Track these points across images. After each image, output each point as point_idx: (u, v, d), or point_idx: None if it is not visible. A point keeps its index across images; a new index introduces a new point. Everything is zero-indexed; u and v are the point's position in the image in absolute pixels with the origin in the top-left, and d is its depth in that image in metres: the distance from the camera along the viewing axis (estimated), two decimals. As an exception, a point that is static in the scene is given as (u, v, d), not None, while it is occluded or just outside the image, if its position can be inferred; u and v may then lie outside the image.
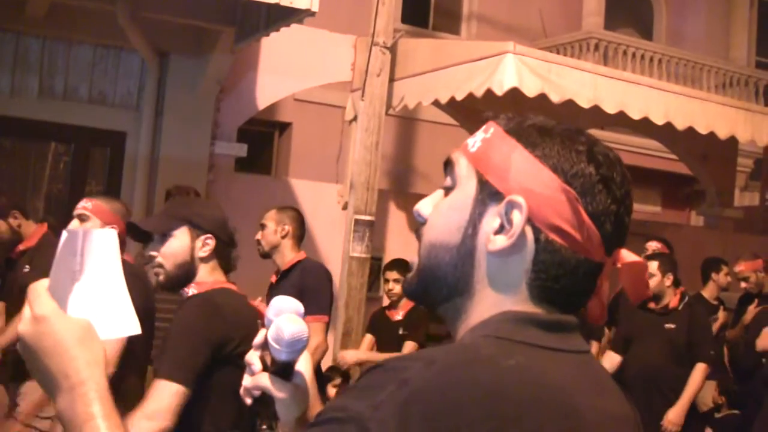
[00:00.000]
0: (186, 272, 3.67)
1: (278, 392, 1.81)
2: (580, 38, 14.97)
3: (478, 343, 1.32)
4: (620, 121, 10.26)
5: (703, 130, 9.57)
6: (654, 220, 15.14)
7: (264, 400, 1.86)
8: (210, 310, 3.53)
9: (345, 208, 10.15)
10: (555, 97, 8.50)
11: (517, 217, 1.36)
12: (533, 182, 1.38)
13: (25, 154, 10.48)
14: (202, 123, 10.54)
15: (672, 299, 7.38)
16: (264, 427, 2.94)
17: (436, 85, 9.32)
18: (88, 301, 1.53)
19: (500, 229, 1.38)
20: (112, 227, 4.98)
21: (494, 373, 1.24)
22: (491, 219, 1.39)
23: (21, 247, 6.80)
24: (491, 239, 1.38)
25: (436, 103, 9.67)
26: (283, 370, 1.82)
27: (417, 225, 1.53)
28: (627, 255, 1.46)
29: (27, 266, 6.49)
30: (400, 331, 7.89)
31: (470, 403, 1.19)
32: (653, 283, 7.17)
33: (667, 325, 7.33)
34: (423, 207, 1.52)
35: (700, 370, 7.25)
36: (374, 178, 9.51)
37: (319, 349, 6.44)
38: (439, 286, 1.45)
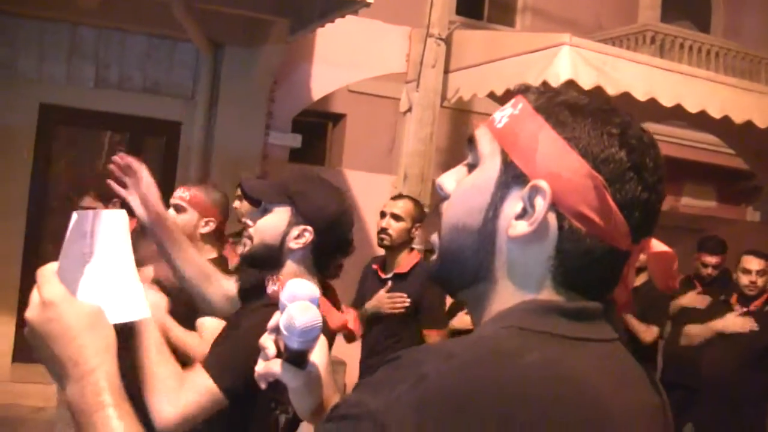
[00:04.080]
0: (270, 255, 3.16)
1: (290, 381, 1.78)
2: (636, 31, 14.84)
3: (499, 336, 1.28)
4: (676, 115, 10.14)
5: (761, 124, 9.43)
6: (709, 215, 15.01)
7: (278, 385, 1.83)
8: None
9: (399, 199, 10.13)
10: (611, 90, 8.42)
11: (540, 203, 1.30)
12: (560, 166, 1.32)
13: (81, 143, 10.58)
14: (257, 113, 10.57)
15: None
16: (278, 412, 2.92)
17: (492, 77, 9.27)
18: (97, 284, 1.50)
19: (522, 214, 1.33)
20: (210, 221, 4.95)
21: (516, 370, 1.19)
22: (514, 202, 1.34)
23: None
24: (512, 224, 1.33)
25: (491, 95, 9.61)
26: (296, 358, 1.78)
27: (439, 200, 1.47)
28: (656, 244, 1.41)
29: None
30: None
31: (491, 402, 1.14)
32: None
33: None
34: (446, 181, 1.46)
35: None
36: (428, 170, 9.49)
37: None
38: (460, 271, 1.41)
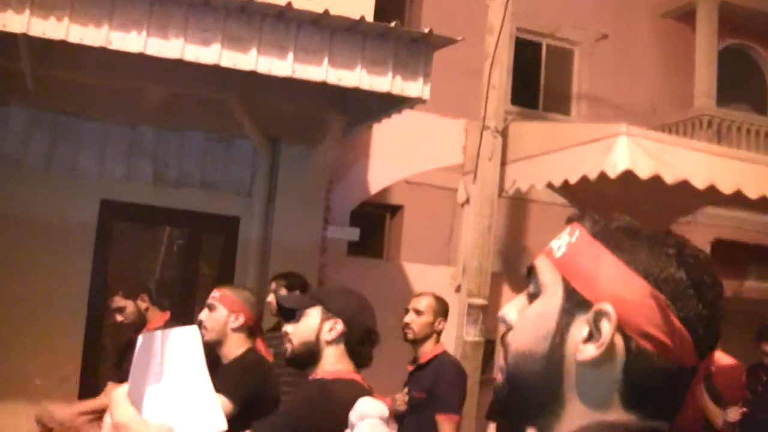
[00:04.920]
0: (309, 352, 3.66)
1: None
2: (693, 116, 14.80)
3: None
4: (736, 199, 10.06)
5: (823, 205, 9.33)
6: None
7: None
8: (321, 399, 3.50)
9: (458, 291, 10.11)
10: (669, 178, 8.35)
11: (606, 327, 1.32)
12: (622, 289, 1.34)
13: (140, 239, 10.70)
14: (314, 208, 10.64)
15: None
16: None
17: (549, 168, 9.27)
18: (171, 401, 1.52)
19: (589, 338, 1.34)
20: (239, 316, 5.20)
21: None
22: (579, 328, 1.36)
23: (144, 331, 6.95)
24: (580, 349, 1.35)
25: (549, 186, 9.60)
26: None
27: (503, 331, 1.53)
28: (721, 357, 1.42)
29: None
30: None
31: None
32: None
33: None
34: (508, 312, 1.49)
35: None
36: (487, 262, 9.47)
37: None
38: (528, 396, 1.42)
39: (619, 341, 1.32)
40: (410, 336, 6.62)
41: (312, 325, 3.67)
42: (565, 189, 10.46)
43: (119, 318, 7.17)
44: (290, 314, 3.81)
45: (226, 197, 10.58)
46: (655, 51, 15.70)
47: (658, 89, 15.39)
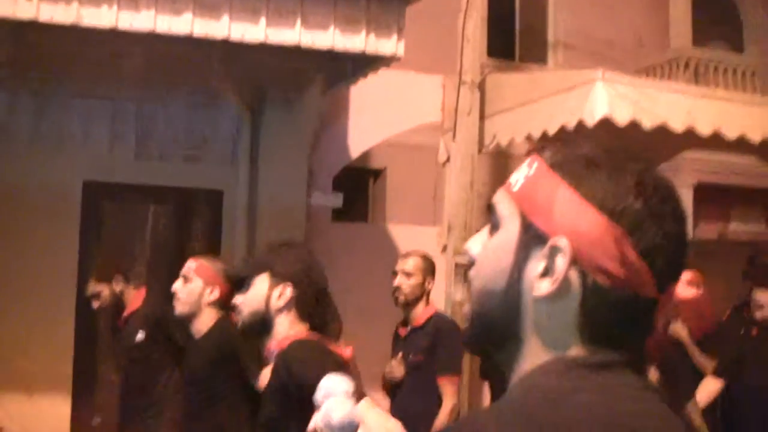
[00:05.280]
0: (261, 321, 3.54)
1: None
2: (670, 58, 14.79)
3: (527, 399, 1.29)
4: (716, 141, 10.06)
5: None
6: (760, 239, 14.80)
7: None
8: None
9: (444, 251, 10.11)
10: (647, 123, 8.28)
11: (560, 262, 1.31)
12: (578, 222, 1.32)
13: (125, 217, 10.67)
14: (298, 174, 10.62)
15: None
16: None
17: (527, 120, 9.22)
18: None
19: (545, 273, 1.33)
20: (215, 289, 5.20)
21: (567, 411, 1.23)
22: (536, 263, 1.35)
23: (125, 313, 6.93)
24: (536, 284, 1.34)
25: (528, 138, 9.58)
26: None
27: (467, 265, 1.49)
28: (683, 290, 1.43)
29: (141, 332, 6.58)
30: None
31: None
32: None
33: None
34: (473, 246, 1.49)
35: None
36: (471, 218, 9.45)
37: (454, 411, 6.37)
38: (490, 335, 1.42)
39: (574, 276, 1.32)
40: (402, 299, 6.50)
41: (260, 293, 3.54)
42: (545, 141, 10.44)
43: (96, 304, 7.10)
44: (240, 284, 3.69)
45: (209, 170, 10.55)
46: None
47: (635, 32, 15.36)
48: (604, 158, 1.39)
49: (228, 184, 10.50)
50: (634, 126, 8.25)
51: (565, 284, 1.32)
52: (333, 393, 1.83)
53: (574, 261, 1.31)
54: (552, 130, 8.77)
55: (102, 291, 6.98)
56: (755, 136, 8.92)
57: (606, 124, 8.20)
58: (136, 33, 7.45)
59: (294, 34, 7.66)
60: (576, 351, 1.33)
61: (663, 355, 5.89)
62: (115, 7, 7.24)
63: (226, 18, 7.51)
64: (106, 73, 9.64)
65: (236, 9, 7.54)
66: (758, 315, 7.13)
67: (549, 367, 1.32)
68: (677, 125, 8.46)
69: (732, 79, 14.74)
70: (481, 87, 9.67)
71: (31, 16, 7.10)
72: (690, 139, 8.99)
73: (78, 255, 9.95)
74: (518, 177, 1.43)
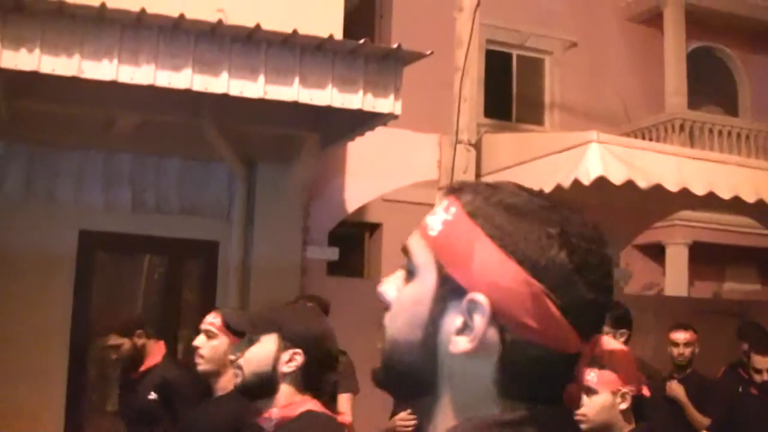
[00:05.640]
0: (264, 383, 3.31)
1: None
2: (665, 120, 14.91)
3: None
4: (711, 202, 10.12)
5: (796, 204, 9.36)
6: (754, 299, 14.83)
7: None
8: None
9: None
10: (642, 183, 8.39)
11: (479, 320, 1.24)
12: (497, 276, 1.24)
13: (121, 268, 10.66)
14: (293, 229, 10.61)
15: None
16: None
17: (523, 179, 9.19)
18: None
19: (463, 329, 1.26)
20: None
21: None
22: (453, 317, 1.27)
23: (143, 367, 6.90)
24: (453, 340, 1.26)
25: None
26: None
27: (381, 310, 1.40)
28: (608, 342, 1.39)
29: (153, 393, 6.53)
30: None
31: None
32: None
33: None
34: (387, 290, 1.39)
35: None
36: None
37: None
38: (404, 384, 1.36)
39: (492, 333, 1.25)
40: None
41: (267, 353, 3.32)
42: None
43: (114, 356, 7.10)
44: (241, 333, 3.55)
45: (204, 222, 10.55)
46: (624, 56, 15.85)
47: (630, 94, 15.51)
48: (525, 204, 1.31)
49: (224, 234, 10.50)
50: (629, 184, 8.32)
51: (483, 342, 1.25)
52: None
53: (494, 317, 1.24)
54: (548, 189, 8.80)
55: (123, 344, 6.97)
56: (749, 197, 9.00)
57: (602, 182, 8.27)
58: (136, 86, 7.49)
59: (292, 92, 7.71)
60: (490, 408, 1.27)
61: (658, 414, 5.89)
62: (115, 60, 7.30)
63: (225, 75, 7.58)
64: (100, 132, 9.67)
65: (235, 66, 7.61)
66: (758, 379, 7.14)
67: (464, 428, 1.26)
68: (671, 186, 8.54)
69: (727, 142, 14.84)
70: (477, 146, 9.76)
71: (32, 68, 7.15)
72: (685, 198, 9.06)
73: (72, 306, 9.90)
74: (434, 221, 1.34)
